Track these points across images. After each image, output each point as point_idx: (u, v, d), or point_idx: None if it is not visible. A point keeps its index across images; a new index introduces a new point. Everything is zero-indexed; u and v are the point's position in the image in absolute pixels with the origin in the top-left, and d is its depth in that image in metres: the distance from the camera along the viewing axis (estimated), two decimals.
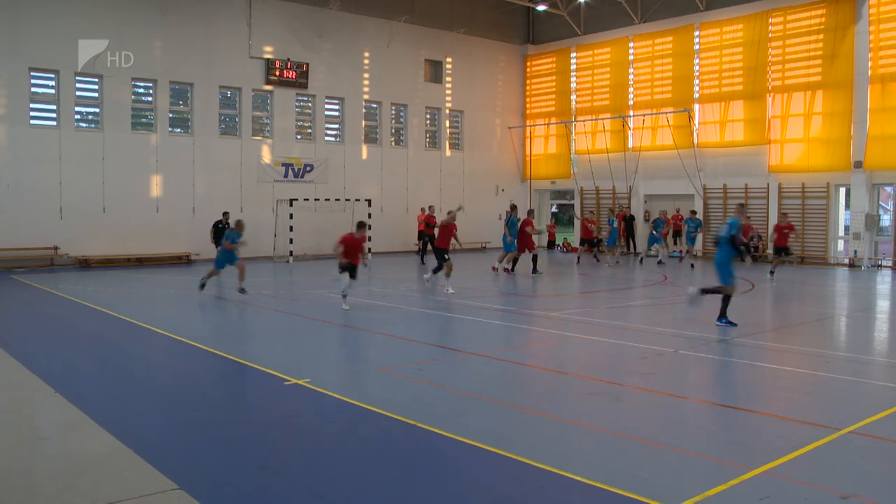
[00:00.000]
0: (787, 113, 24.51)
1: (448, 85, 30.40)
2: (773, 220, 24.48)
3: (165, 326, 11.50)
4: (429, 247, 24.09)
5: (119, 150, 22.38)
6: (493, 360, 9.40)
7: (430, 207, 25.00)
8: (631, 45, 28.84)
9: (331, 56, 26.89)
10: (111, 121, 22.34)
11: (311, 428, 6.68)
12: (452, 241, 16.53)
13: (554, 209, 35.11)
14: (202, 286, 15.41)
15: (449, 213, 16.93)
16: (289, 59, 25.62)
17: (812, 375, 8.67)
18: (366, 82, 27.95)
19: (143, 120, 23.43)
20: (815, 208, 24.08)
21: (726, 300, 11.51)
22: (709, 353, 9.85)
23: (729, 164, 26.04)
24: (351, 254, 13.20)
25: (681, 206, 26.01)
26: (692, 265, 22.72)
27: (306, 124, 26.93)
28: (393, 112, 29.01)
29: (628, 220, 25.97)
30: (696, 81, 26.85)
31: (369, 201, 25.98)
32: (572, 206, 32.06)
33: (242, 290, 15.20)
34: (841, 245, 24.34)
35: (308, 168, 26.19)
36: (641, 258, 24.70)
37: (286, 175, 25.67)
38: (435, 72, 30.03)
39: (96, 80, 22.11)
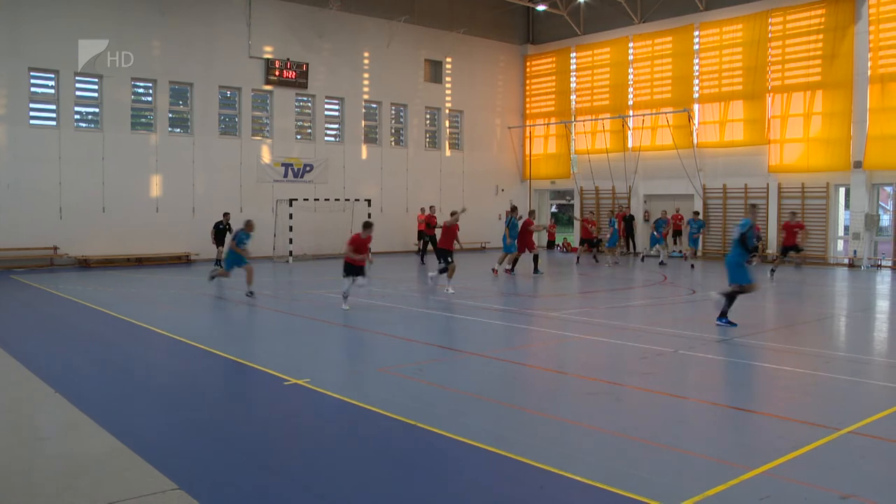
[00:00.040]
0: (787, 113, 24.52)
1: (448, 85, 30.40)
2: (773, 220, 24.55)
3: (165, 326, 11.49)
4: (429, 247, 24.10)
5: (119, 150, 22.38)
6: (493, 360, 9.40)
7: (431, 208, 25.00)
8: (630, 45, 28.84)
9: (331, 56, 26.89)
10: (111, 121, 22.34)
11: (311, 428, 6.68)
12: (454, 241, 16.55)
13: (553, 209, 35.12)
14: (211, 278, 16.20)
15: (452, 214, 16.92)
16: (288, 59, 25.62)
17: (812, 375, 8.67)
18: (365, 82, 27.95)
19: (143, 120, 23.43)
20: (814, 208, 24.08)
21: (730, 300, 11.51)
22: (709, 353, 9.85)
23: (728, 164, 26.04)
24: (361, 252, 13.23)
25: (680, 206, 26.01)
26: (692, 266, 22.71)
27: (306, 124, 26.93)
28: (393, 112, 29.02)
29: (628, 220, 25.97)
30: (696, 81, 26.85)
31: (369, 201, 26.00)
32: (572, 206, 32.06)
33: (250, 294, 14.77)
34: (840, 245, 24.35)
35: (308, 168, 26.19)
36: (643, 257, 24.68)
37: (286, 175, 25.68)
38: (435, 72, 30.03)
39: (96, 80, 22.11)
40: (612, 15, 29.17)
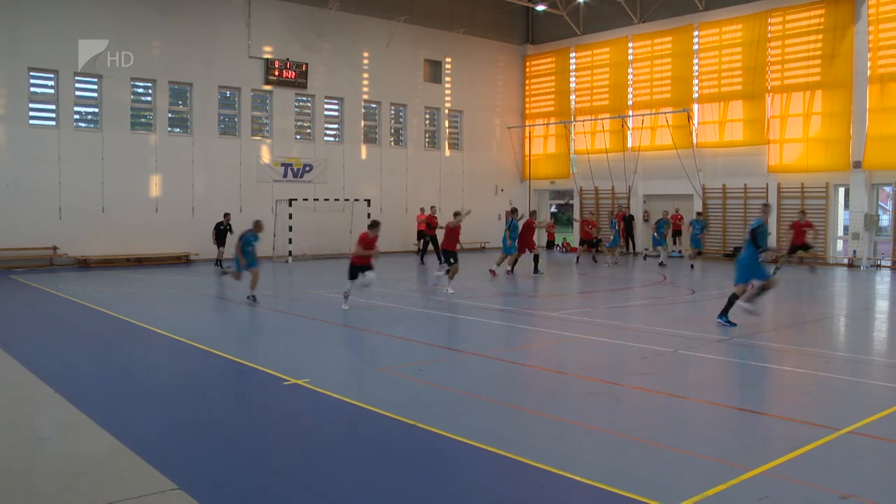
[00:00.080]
0: (787, 113, 24.52)
1: (447, 85, 30.40)
2: (773, 220, 24.51)
3: (165, 326, 11.49)
4: (429, 247, 24.11)
5: (118, 150, 22.37)
6: (493, 360, 9.40)
7: (431, 208, 24.98)
8: (630, 45, 28.84)
9: (330, 56, 26.89)
10: (110, 121, 22.34)
11: (311, 428, 6.68)
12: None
13: (553, 209, 35.11)
14: (223, 273, 17.06)
15: (456, 215, 16.89)
16: (288, 59, 25.61)
17: (812, 375, 8.67)
18: (365, 82, 27.95)
19: (143, 120, 23.42)
20: (814, 208, 24.06)
21: (732, 300, 11.53)
22: (708, 353, 9.85)
23: (728, 164, 26.05)
24: (369, 250, 13.30)
25: (680, 207, 26.02)
26: (692, 266, 22.70)
27: (305, 124, 26.93)
28: (392, 112, 29.02)
29: (628, 220, 25.95)
30: (696, 81, 26.85)
31: (368, 201, 26.00)
32: (571, 206, 32.06)
33: (252, 298, 14.30)
34: (840, 245, 24.36)
35: (307, 168, 26.19)
36: (645, 255, 24.65)
37: (285, 175, 25.68)
38: (434, 72, 30.03)
39: (96, 80, 22.10)
40: (611, 15, 29.17)
